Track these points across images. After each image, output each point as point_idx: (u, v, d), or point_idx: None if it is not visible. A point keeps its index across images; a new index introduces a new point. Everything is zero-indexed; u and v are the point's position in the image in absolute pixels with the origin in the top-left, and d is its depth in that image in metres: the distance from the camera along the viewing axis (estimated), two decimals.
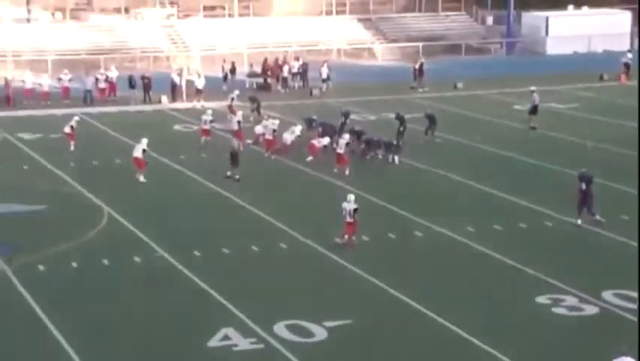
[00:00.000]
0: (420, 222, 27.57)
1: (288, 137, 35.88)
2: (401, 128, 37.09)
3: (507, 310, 21.34)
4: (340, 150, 33.06)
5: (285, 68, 51.76)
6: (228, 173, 32.22)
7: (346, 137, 33.82)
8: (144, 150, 32.32)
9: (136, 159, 32.20)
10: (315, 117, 38.57)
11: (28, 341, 19.71)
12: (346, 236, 25.35)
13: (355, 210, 25.14)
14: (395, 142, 35.33)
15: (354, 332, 20.19)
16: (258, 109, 42.42)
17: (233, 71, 51.35)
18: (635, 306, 21.06)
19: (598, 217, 27.11)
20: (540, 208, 28.89)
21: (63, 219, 28.13)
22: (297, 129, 36.49)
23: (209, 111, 38.29)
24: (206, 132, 37.39)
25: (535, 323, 20.59)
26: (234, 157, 32.28)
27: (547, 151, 36.58)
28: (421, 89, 50.81)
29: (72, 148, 36.04)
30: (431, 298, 21.73)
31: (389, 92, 49.86)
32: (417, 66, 52.37)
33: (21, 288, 22.46)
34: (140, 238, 26.20)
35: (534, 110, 41.08)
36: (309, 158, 34.35)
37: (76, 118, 37.30)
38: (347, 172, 32.68)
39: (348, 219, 25.21)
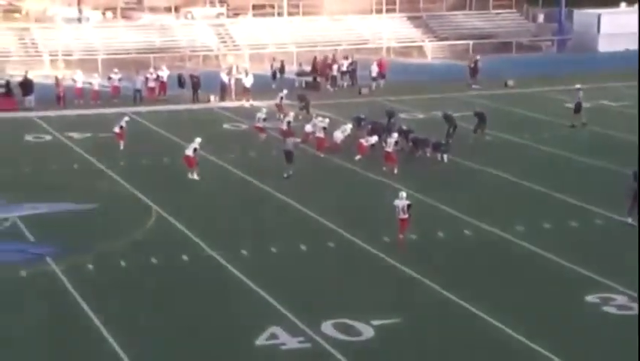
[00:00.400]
0: (469, 221, 27.33)
1: (339, 135, 35.85)
2: (450, 129, 36.87)
3: (557, 310, 21.03)
4: (389, 149, 32.98)
5: (334, 67, 51.67)
6: (285, 175, 32.24)
7: (395, 135, 33.70)
8: (195, 149, 32.48)
9: (187, 157, 32.36)
10: (363, 116, 38.48)
11: (77, 341, 19.84)
12: (401, 235, 25.35)
13: (409, 205, 25.26)
14: (444, 141, 35.13)
15: (401, 331, 20.04)
16: (307, 108, 42.41)
17: (282, 69, 51.41)
18: None
19: None
20: (591, 207, 28.48)
21: (112, 218, 28.33)
22: (348, 128, 36.49)
23: (264, 109, 38.53)
24: (260, 130, 37.66)
25: (585, 322, 20.27)
26: (289, 156, 32.32)
27: (599, 149, 36.05)
28: (475, 87, 50.45)
29: (121, 147, 36.33)
30: (480, 299, 21.51)
31: (439, 90, 49.53)
32: (472, 64, 52.02)
33: (70, 287, 22.64)
34: (189, 237, 26.30)
35: (578, 108, 40.63)
36: (358, 156, 34.25)
37: (126, 118, 37.58)
38: (395, 171, 32.53)
39: (402, 215, 25.24)
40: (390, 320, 20.41)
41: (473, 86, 50.54)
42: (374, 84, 50.58)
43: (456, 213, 28.08)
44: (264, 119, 38.04)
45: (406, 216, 25.31)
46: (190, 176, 32.12)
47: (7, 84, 45.94)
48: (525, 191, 30.78)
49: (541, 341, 19.28)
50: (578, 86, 41.78)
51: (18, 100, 45.51)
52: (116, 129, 36.80)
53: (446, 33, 65.41)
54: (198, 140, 32.68)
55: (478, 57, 53.37)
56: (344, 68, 51.88)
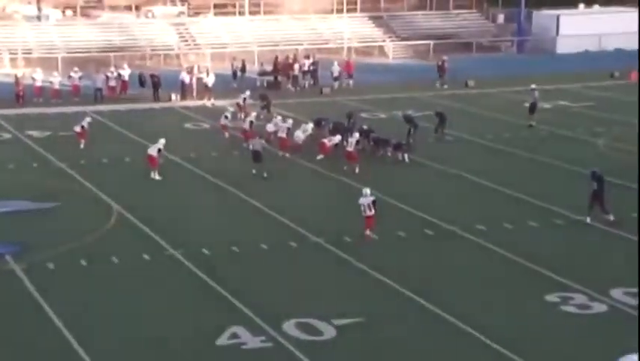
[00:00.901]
0: (430, 220, 27.50)
1: (301, 135, 35.93)
2: (411, 129, 37.10)
3: (517, 309, 21.24)
4: (350, 148, 33.11)
5: (296, 67, 51.72)
6: (254, 171, 32.23)
7: (356, 135, 33.84)
8: (159, 150, 32.35)
9: (150, 157, 32.21)
10: (324, 117, 38.57)
11: (38, 339, 19.71)
12: (368, 231, 25.56)
13: (374, 202, 25.56)
14: (404, 141, 35.34)
15: (363, 331, 20.12)
16: (268, 107, 42.40)
17: (243, 69, 51.38)
18: None
19: (611, 217, 26.98)
20: (550, 206, 28.78)
21: (73, 217, 28.15)
22: (309, 127, 36.63)
23: (230, 108, 38.79)
24: (225, 128, 38.07)
25: (545, 322, 20.50)
26: (257, 156, 32.32)
27: (558, 149, 36.44)
28: (442, 86, 50.82)
29: (82, 146, 36.08)
30: (440, 296, 21.67)
31: (400, 90, 49.80)
32: (439, 63, 52.35)
33: (30, 286, 22.47)
34: (150, 236, 26.19)
35: (533, 108, 41.10)
36: (320, 156, 34.33)
37: (88, 119, 37.33)
38: (357, 170, 32.66)
39: (368, 213, 25.47)
40: (352, 320, 20.47)
41: (443, 86, 50.81)
42: (336, 84, 50.73)
43: (416, 212, 28.23)
44: (228, 118, 38.20)
45: (372, 213, 25.53)
46: (152, 175, 31.99)
47: None
48: (485, 190, 31.04)
49: (502, 338, 19.45)
50: (533, 86, 42.25)
51: None
52: (77, 129, 36.55)
53: (407, 33, 65.75)
54: (162, 141, 32.58)
55: (445, 57, 53.66)
56: (305, 68, 51.95)
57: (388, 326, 20.34)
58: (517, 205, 29.31)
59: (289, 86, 51.09)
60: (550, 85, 49.40)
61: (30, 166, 34.20)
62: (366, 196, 25.63)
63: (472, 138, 38.69)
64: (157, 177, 31.96)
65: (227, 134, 37.92)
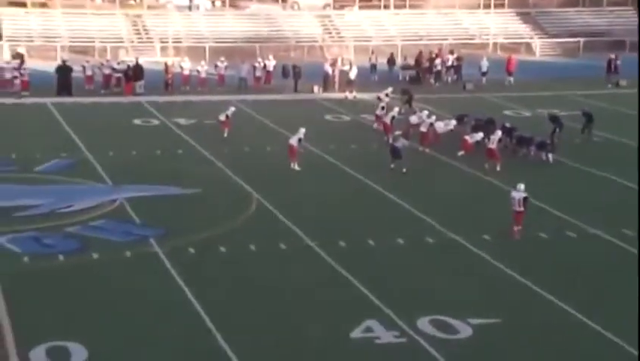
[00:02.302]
0: (573, 223, 26.72)
1: (442, 127, 35.67)
2: (556, 128, 36.16)
3: None
4: (492, 145, 32.53)
5: (438, 62, 51.25)
6: (392, 165, 32.17)
7: (498, 133, 33.22)
8: (300, 140, 32.61)
9: (291, 146, 32.50)
10: (465, 114, 38.06)
11: (178, 324, 20.10)
12: (515, 227, 25.17)
13: (525, 198, 25.07)
14: (549, 140, 34.47)
15: (500, 332, 19.72)
16: (410, 102, 42.16)
17: (391, 61, 51.39)
18: None
19: None
20: None
21: (214, 204, 28.64)
22: (452, 123, 36.30)
23: (386, 98, 39.07)
24: (378, 120, 38.12)
25: None
26: (396, 151, 32.21)
27: None
28: (610, 85, 49.87)
29: (225, 135, 36.75)
30: (582, 301, 21.01)
31: (546, 88, 48.64)
32: (610, 62, 51.42)
33: (172, 270, 23.00)
34: (288, 226, 26.40)
35: None
36: (461, 153, 33.88)
37: (233, 108, 37.95)
38: (498, 168, 32.06)
39: (518, 208, 25.06)
40: (490, 320, 20.09)
41: (617, 84, 49.68)
42: (484, 79, 50.05)
43: (559, 214, 27.48)
44: (384, 110, 38.02)
45: (522, 209, 25.10)
46: (292, 166, 32.28)
47: (128, 70, 46.79)
48: (632, 194, 29.91)
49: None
50: None
51: None
52: (222, 117, 37.23)
53: (556, 30, 64.12)
54: (302, 130, 32.80)
55: (612, 56, 52.17)
56: (449, 63, 51.42)
57: (527, 330, 19.83)
58: None
59: (431, 81, 50.69)
60: None
61: (175, 153, 35.06)
62: (520, 191, 25.21)
63: (620, 139, 37.40)
64: (296, 167, 32.23)
65: (377, 126, 37.77)
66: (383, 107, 38.47)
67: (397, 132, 34.94)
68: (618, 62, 51.15)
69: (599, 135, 37.71)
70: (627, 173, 31.90)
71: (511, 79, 50.33)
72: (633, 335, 19.33)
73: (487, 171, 31.96)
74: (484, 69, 50.50)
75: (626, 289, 22.12)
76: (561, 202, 28.35)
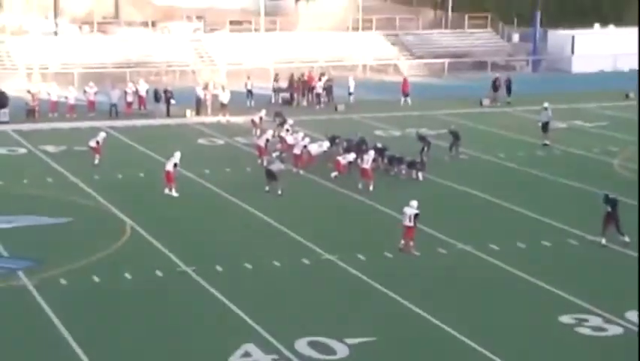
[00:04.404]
0: (443, 239, 27.41)
1: (316, 148, 36.07)
2: (424, 147, 37.06)
3: (530, 330, 21.10)
4: (366, 165, 33.09)
5: (311, 84, 51.81)
6: (267, 188, 32.29)
7: (372, 153, 33.83)
8: (175, 164, 32.38)
9: (167, 172, 32.20)
10: (337, 135, 38.57)
11: (48, 356, 19.67)
12: (403, 241, 25.88)
13: (416, 215, 25.76)
14: (418, 159, 35.32)
15: (376, 350, 20.02)
16: (282, 124, 42.43)
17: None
18: None
19: (626, 238, 26.83)
20: (565, 227, 28.65)
21: (86, 232, 28.15)
22: (325, 145, 36.75)
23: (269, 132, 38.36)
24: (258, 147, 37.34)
25: (559, 344, 20.35)
26: (271, 174, 32.36)
27: (572, 169, 36.33)
28: (491, 103, 51.55)
29: (96, 162, 36.17)
30: (458, 319, 21.54)
31: (414, 108, 49.79)
32: (494, 80, 53.03)
33: (42, 302, 22.45)
34: (163, 253, 26.19)
35: (545, 126, 41.08)
36: (334, 174, 34.33)
37: (103, 134, 37.38)
38: (371, 187, 32.63)
39: (408, 223, 25.80)
40: (366, 338, 20.39)
41: (490, 102, 51.51)
42: (352, 98, 50.89)
43: (430, 231, 28.12)
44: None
45: (412, 224, 25.86)
46: (167, 192, 32.00)
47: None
48: (499, 210, 30.94)
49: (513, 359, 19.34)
50: (545, 105, 42.17)
51: None
52: (92, 144, 36.63)
53: (422, 51, 65.78)
54: (178, 154, 32.60)
55: (498, 75, 53.82)
56: (321, 85, 52.04)
57: (402, 347, 20.21)
58: (530, 225, 29.17)
59: (304, 103, 51.18)
60: (566, 104, 49.33)
61: (44, 181, 34.29)
62: (412, 207, 25.95)
63: (486, 157, 38.62)
64: (174, 193, 31.94)
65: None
66: (259, 131, 38.69)
67: (275, 154, 35.24)
68: (504, 81, 52.78)
69: (466, 152, 38.82)
70: (491, 188, 32.95)
71: (408, 99, 51.27)
72: (501, 346, 19.97)
73: (360, 191, 32.46)
74: (352, 89, 51.43)
75: (495, 301, 22.84)
76: (431, 219, 28.96)
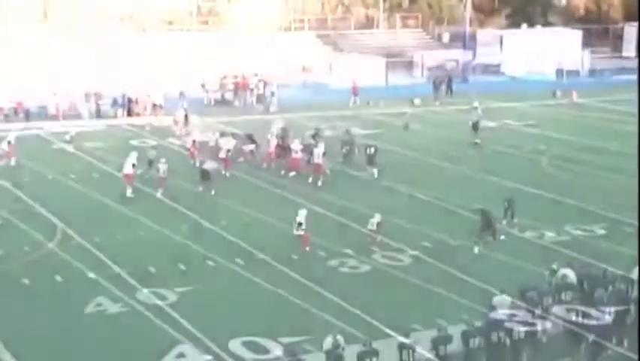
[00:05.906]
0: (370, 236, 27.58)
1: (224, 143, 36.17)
2: (352, 147, 37.00)
3: None
4: (318, 160, 33.59)
5: (243, 85, 51.85)
6: (200, 188, 32.37)
7: (322, 146, 34.10)
8: (134, 165, 32.05)
9: (126, 175, 31.87)
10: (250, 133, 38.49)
11: None
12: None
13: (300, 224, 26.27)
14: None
15: (311, 348, 20.10)
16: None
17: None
18: None
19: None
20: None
21: (16, 235, 27.70)
22: (232, 142, 36.58)
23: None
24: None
25: None
26: (205, 174, 32.46)
27: (502, 166, 36.89)
28: (438, 103, 52.24)
29: (13, 163, 35.66)
30: (387, 318, 21.72)
31: (343, 107, 50.13)
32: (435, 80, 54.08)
33: None
34: (96, 255, 25.87)
35: (476, 126, 41.74)
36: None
37: (14, 134, 36.78)
38: (319, 183, 33.21)
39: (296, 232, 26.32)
40: (300, 337, 20.39)
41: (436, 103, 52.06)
42: (275, 100, 50.93)
43: (358, 228, 28.17)
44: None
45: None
46: (129, 194, 31.64)
47: None
48: (433, 207, 31.24)
49: None
50: (475, 104, 42.79)
51: None
52: (3, 146, 35.89)
53: (354, 51, 66.09)
54: (135, 154, 32.60)
55: (437, 74, 54.57)
56: (252, 86, 52.12)
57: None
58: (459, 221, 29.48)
59: (236, 103, 51.16)
60: (495, 103, 50.09)
61: None
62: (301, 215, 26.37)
63: (417, 155, 38.95)
64: (129, 194, 31.61)
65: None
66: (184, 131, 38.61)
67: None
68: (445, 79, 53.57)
69: (398, 153, 39.09)
70: (419, 186, 33.29)
71: (357, 99, 51.59)
72: None
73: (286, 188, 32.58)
74: (274, 89, 51.41)
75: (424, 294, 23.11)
76: (358, 215, 29.02)
